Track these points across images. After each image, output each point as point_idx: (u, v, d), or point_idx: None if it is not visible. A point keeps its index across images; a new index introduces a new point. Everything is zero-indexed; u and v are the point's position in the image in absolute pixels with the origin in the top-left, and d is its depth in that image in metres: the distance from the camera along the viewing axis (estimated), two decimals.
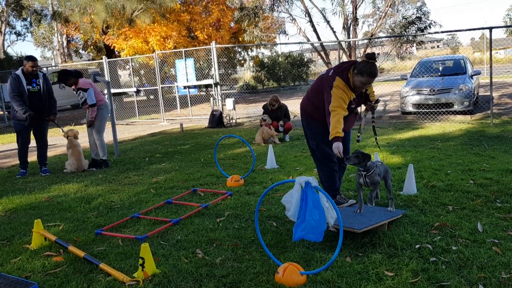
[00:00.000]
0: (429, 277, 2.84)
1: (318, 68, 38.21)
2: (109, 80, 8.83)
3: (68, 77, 6.67)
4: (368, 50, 11.55)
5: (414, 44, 11.73)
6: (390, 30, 11.01)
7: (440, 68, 12.14)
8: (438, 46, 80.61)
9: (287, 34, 12.30)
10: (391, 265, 3.03)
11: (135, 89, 14.58)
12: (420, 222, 3.75)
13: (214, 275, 3.02)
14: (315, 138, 4.04)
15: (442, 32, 10.30)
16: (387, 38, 12.03)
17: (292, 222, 3.51)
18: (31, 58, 6.58)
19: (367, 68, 3.61)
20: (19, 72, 6.54)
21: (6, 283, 2.96)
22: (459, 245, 3.27)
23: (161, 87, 14.31)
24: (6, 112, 17.94)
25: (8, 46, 38.66)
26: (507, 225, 3.58)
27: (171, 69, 19.91)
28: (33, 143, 6.88)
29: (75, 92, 6.85)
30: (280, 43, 16.73)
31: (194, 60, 14.02)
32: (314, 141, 4.06)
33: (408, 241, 3.39)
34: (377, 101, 4.00)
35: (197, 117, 14.14)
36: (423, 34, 10.61)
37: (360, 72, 3.63)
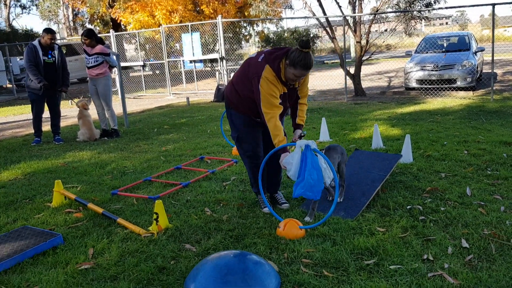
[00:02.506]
0: (417, 232, 3.12)
1: (325, 44, 38.04)
2: (119, 53, 9.01)
3: (93, 37, 7.00)
4: (375, 26, 11.61)
5: (421, 21, 11.74)
6: (396, 6, 11.04)
7: (445, 44, 12.23)
8: (446, 23, 79.53)
9: (292, 9, 12.33)
10: (383, 222, 3.32)
11: (141, 63, 14.75)
12: (413, 187, 4.02)
13: (222, 229, 3.32)
14: (236, 131, 3.55)
15: (446, 8, 10.29)
16: (393, 14, 12.06)
17: (292, 182, 3.79)
18: (50, 31, 6.81)
19: (301, 59, 3.09)
20: (36, 42, 6.77)
21: (33, 234, 3.28)
22: (447, 206, 3.54)
23: (167, 61, 14.47)
24: (15, 85, 18.22)
25: (13, 19, 38.70)
26: (494, 190, 3.84)
27: (177, 44, 20.00)
28: (46, 114, 7.15)
29: (86, 55, 7.08)
30: (286, 18, 16.75)
31: (200, 35, 14.14)
32: (235, 134, 3.56)
33: (401, 202, 3.66)
34: (300, 136, 3.47)
35: (202, 92, 14.35)
36: (428, 10, 10.65)
37: (292, 63, 3.12)
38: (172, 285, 2.59)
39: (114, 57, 7.33)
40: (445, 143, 5.52)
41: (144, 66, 15.98)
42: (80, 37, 7.75)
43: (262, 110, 3.21)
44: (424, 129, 6.42)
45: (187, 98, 12.02)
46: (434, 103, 9.15)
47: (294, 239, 3.09)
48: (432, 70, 10.72)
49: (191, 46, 13.68)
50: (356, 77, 11.27)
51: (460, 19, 65.93)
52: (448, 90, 10.30)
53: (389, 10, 11.20)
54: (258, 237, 3.17)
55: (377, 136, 5.57)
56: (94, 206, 3.79)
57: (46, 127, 7.51)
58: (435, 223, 3.25)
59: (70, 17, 30.89)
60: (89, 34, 6.96)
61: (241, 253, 2.66)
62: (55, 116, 7.26)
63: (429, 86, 10.50)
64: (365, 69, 17.77)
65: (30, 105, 7.16)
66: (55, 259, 2.97)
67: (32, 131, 7.29)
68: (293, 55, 3.12)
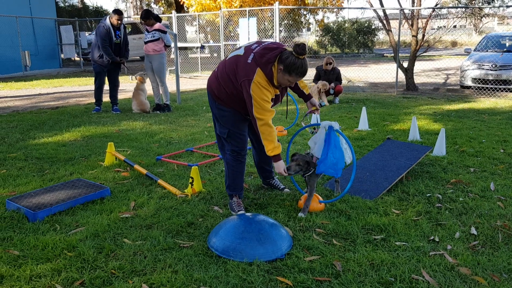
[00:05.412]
0: (430, 217, 3.29)
1: (387, 36, 37.25)
2: (176, 33, 9.51)
3: (150, 16, 7.44)
4: (435, 22, 11.39)
5: (494, 19, 11.38)
6: (456, 1, 10.77)
7: (507, 44, 11.78)
8: None
9: None
10: (399, 206, 3.51)
11: (199, 44, 15.30)
12: (438, 178, 4.15)
13: (248, 197, 3.65)
14: (227, 125, 3.30)
15: (507, 6, 9.90)
16: (455, 10, 11.76)
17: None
18: (118, 12, 7.33)
19: (297, 66, 2.96)
20: (108, 23, 7.28)
21: (86, 185, 3.76)
22: (467, 197, 3.66)
23: (224, 44, 14.91)
24: (82, 58, 19.42)
25: None
26: None
27: (236, 29, 20.42)
28: (107, 86, 7.76)
29: (146, 31, 7.56)
30: (342, 8, 16.62)
31: (257, 20, 14.43)
32: (224, 129, 3.31)
33: (422, 190, 3.82)
34: (320, 105, 3.40)
35: None
36: (489, 7, 10.33)
37: (287, 70, 2.97)
38: (197, 237, 2.95)
39: (170, 37, 7.77)
40: (483, 140, 5.52)
41: (202, 47, 16.54)
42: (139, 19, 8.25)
43: (253, 115, 3.04)
44: (466, 127, 6.40)
45: None
46: (486, 102, 8.95)
47: (312, 211, 3.36)
48: (489, 70, 10.41)
49: (247, 31, 14.01)
50: (409, 71, 11.15)
51: None
52: (504, 91, 9.99)
53: (450, 5, 10.93)
54: (280, 207, 3.47)
55: (415, 128, 5.65)
56: (139, 167, 4.24)
57: (106, 98, 8.15)
58: (450, 211, 3.40)
59: None
60: (146, 16, 7.39)
61: (260, 216, 2.98)
62: (114, 88, 7.86)
63: (485, 86, 10.23)
64: (424, 65, 17.41)
65: (94, 78, 7.80)
66: (101, 207, 3.43)
67: (94, 100, 7.94)
68: (288, 61, 2.95)
